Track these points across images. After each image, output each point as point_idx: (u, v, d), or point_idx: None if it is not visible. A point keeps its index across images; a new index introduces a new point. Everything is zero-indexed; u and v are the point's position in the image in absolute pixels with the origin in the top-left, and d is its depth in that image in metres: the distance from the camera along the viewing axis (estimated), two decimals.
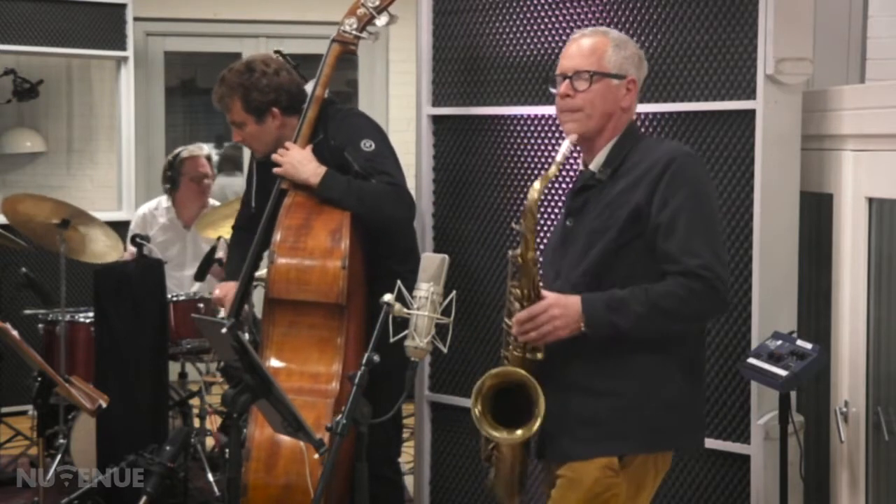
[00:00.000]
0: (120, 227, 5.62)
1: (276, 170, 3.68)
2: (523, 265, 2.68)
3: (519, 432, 2.68)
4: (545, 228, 3.63)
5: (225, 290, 3.87)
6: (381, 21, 3.70)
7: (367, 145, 3.65)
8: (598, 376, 2.70)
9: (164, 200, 5.59)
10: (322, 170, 3.61)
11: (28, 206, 4.99)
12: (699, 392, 2.84)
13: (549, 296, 2.67)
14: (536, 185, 2.68)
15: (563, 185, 3.65)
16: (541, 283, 2.73)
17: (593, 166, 2.79)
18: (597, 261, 2.69)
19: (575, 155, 3.07)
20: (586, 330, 2.63)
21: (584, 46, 2.78)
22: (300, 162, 3.63)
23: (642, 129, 3.54)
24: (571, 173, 3.66)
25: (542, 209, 3.63)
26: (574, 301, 2.64)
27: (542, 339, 2.66)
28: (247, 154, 7.35)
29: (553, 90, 2.83)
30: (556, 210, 3.65)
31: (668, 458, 2.80)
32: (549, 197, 3.69)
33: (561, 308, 2.63)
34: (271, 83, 3.73)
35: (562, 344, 2.70)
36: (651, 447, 2.73)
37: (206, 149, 5.64)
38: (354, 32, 3.70)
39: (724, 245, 2.76)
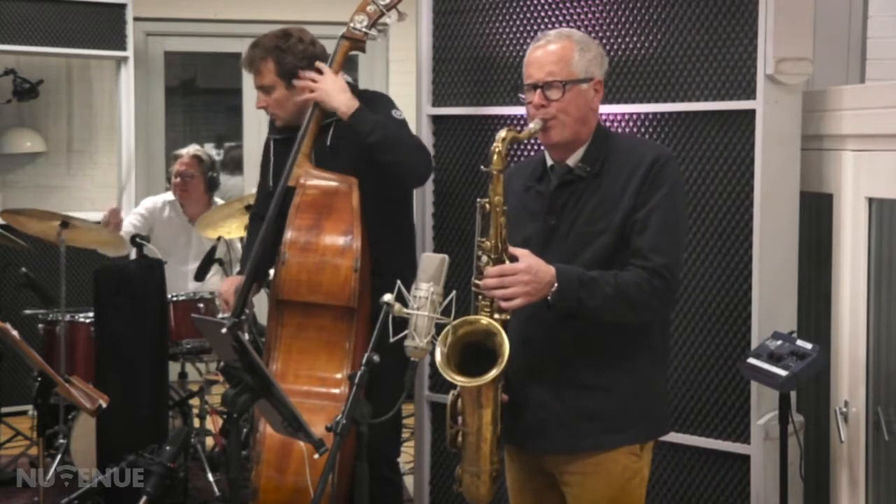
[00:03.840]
0: None
1: (307, 95, 3.66)
2: (490, 211, 2.70)
3: (482, 378, 2.65)
4: None
5: (229, 283, 3.86)
6: (390, 18, 3.71)
7: (399, 115, 3.72)
8: (595, 371, 2.75)
9: (169, 195, 5.68)
10: (355, 102, 3.61)
11: (26, 215, 5.01)
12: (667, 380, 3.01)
13: (523, 258, 2.67)
14: (504, 132, 2.72)
15: None
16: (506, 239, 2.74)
17: (571, 162, 2.80)
18: (592, 261, 2.71)
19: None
20: (552, 300, 2.64)
21: (551, 53, 2.78)
22: (334, 89, 3.63)
23: (639, 130, 3.55)
24: None
25: None
26: (547, 270, 2.65)
27: (505, 299, 2.65)
28: (248, 155, 7.37)
29: (522, 97, 2.83)
30: None
31: (652, 443, 2.88)
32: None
33: (532, 275, 2.63)
34: (306, 51, 3.76)
35: (558, 341, 2.74)
36: (649, 436, 2.83)
37: (193, 149, 5.67)
38: (364, 29, 3.71)
39: (684, 247, 2.84)
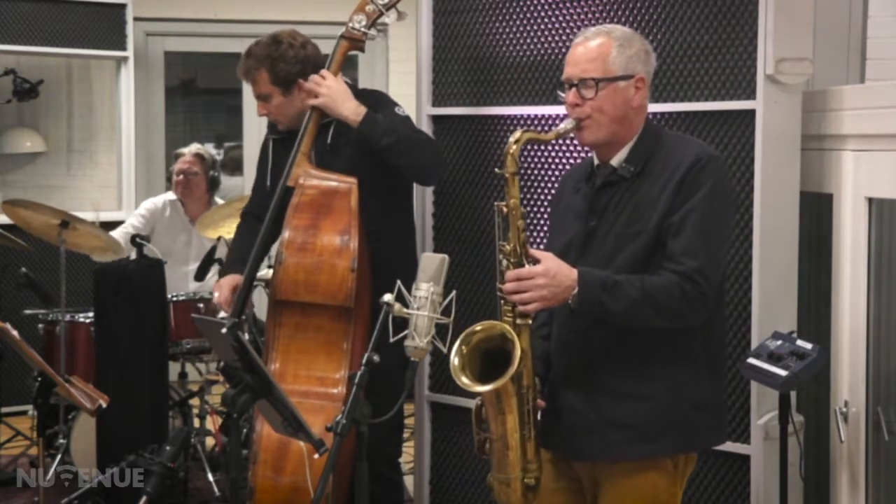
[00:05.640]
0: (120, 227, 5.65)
1: (313, 101, 3.65)
2: (508, 214, 2.67)
3: (491, 385, 2.62)
4: (538, 222, 3.63)
5: (223, 285, 3.83)
6: (389, 18, 3.71)
7: (401, 111, 3.73)
8: (628, 379, 2.69)
9: (169, 195, 5.68)
10: (363, 109, 3.60)
11: (26, 212, 5.00)
12: (722, 389, 2.87)
13: (544, 261, 2.63)
14: (519, 133, 2.69)
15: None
16: (528, 239, 2.72)
17: (615, 162, 2.75)
18: (628, 265, 2.65)
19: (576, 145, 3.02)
20: (573, 304, 2.60)
21: (588, 50, 2.72)
22: (341, 97, 3.62)
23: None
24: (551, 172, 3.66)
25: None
26: (569, 273, 2.60)
27: (523, 304, 2.62)
28: (248, 155, 7.37)
29: (561, 95, 2.80)
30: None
31: (694, 457, 2.81)
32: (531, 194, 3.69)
33: (549, 279, 2.59)
34: (298, 55, 3.75)
35: (591, 346, 2.70)
36: (683, 448, 2.74)
37: (195, 147, 5.69)
38: (363, 29, 3.70)
39: (725, 250, 2.77)
